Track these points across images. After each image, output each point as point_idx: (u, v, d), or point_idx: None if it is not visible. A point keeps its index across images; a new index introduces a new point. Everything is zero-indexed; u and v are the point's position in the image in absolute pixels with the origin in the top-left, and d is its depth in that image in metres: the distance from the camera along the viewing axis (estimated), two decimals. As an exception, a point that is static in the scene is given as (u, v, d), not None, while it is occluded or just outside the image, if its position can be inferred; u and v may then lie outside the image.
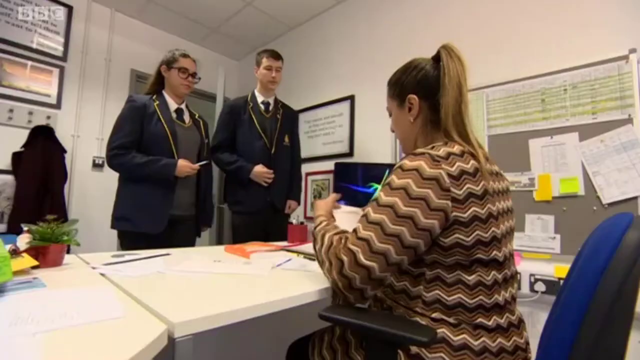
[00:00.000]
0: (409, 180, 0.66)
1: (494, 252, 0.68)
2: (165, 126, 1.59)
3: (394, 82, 0.87)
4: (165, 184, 1.57)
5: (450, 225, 0.65)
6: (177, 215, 1.62)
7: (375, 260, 0.64)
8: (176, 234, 1.64)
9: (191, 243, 1.74)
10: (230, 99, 3.66)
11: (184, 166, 1.57)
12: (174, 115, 1.67)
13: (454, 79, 0.75)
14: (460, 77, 0.75)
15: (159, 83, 1.70)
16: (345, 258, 0.66)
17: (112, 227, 1.57)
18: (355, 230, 0.69)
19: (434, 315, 0.67)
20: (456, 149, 0.71)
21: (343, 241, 0.70)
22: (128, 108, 1.58)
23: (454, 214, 0.65)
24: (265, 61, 2.02)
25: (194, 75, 1.70)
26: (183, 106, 1.73)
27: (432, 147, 0.72)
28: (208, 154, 1.84)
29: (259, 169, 1.94)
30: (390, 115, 0.91)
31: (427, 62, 0.83)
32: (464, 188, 0.66)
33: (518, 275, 0.80)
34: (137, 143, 1.56)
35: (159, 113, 1.60)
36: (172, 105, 1.68)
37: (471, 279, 0.67)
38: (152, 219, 1.53)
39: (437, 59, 0.81)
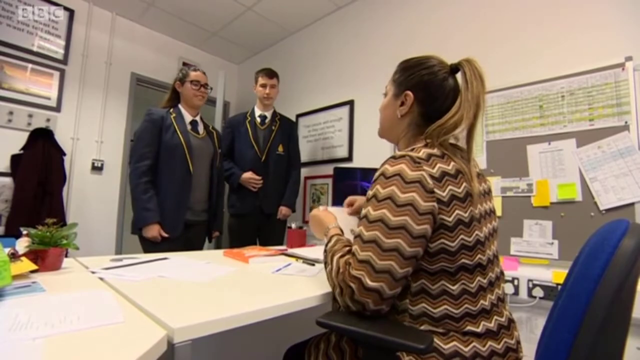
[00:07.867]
0: (393, 187, 0.66)
1: (478, 256, 0.68)
2: (181, 137, 1.71)
3: (404, 68, 0.85)
4: (180, 192, 1.71)
5: (436, 229, 0.66)
6: (191, 220, 1.77)
7: (382, 280, 0.62)
8: (190, 237, 1.79)
9: (201, 246, 1.91)
10: (231, 103, 3.74)
11: (153, 229, 1.61)
12: (188, 127, 1.78)
13: (474, 99, 0.72)
14: (480, 97, 0.72)
15: (175, 98, 1.83)
16: (353, 285, 0.64)
17: (133, 232, 1.67)
18: (354, 254, 0.66)
19: (422, 327, 0.67)
20: (436, 150, 0.71)
21: (348, 267, 0.67)
22: (146, 121, 1.70)
23: (440, 216, 0.65)
24: (260, 79, 2.26)
25: (205, 86, 1.81)
26: (197, 118, 1.85)
27: (412, 149, 0.72)
28: (220, 162, 1.98)
29: (246, 175, 2.18)
30: (385, 95, 0.89)
31: (443, 67, 0.80)
32: (447, 190, 0.66)
33: (503, 275, 0.79)
34: (155, 153, 1.68)
35: (175, 125, 1.73)
36: (187, 117, 1.80)
37: (455, 288, 0.67)
38: (170, 224, 1.66)
39: (454, 69, 0.80)
